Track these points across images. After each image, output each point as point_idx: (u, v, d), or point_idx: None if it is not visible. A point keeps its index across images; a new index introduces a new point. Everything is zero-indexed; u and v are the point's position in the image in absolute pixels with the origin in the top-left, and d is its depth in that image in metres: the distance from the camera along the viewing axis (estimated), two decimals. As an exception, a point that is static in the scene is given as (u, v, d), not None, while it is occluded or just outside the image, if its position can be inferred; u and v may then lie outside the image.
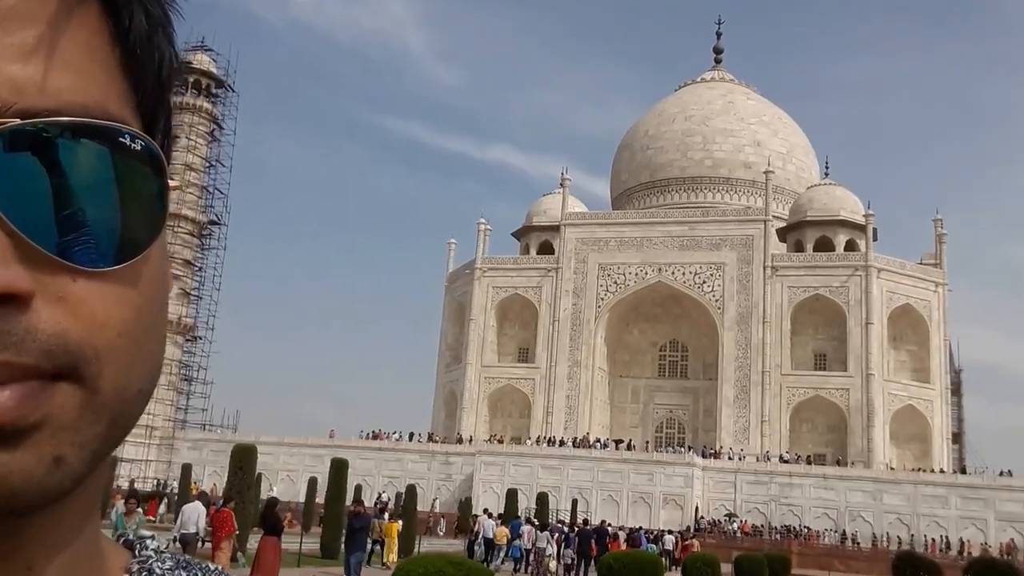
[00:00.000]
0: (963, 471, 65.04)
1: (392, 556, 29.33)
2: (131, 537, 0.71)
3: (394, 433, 68.61)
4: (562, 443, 65.59)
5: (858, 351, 68.41)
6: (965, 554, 53.04)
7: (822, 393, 68.86)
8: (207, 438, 68.30)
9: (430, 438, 68.78)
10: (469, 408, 73.51)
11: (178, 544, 19.68)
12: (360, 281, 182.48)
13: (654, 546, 44.47)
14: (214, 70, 77.09)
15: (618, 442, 65.11)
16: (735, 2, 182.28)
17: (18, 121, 0.50)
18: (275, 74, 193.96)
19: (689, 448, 67.23)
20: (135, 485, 61.46)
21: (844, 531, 58.04)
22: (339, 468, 33.11)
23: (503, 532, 36.65)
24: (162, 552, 0.72)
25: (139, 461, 65.00)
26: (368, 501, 54.47)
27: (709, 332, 72.48)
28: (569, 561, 36.14)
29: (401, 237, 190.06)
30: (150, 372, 0.60)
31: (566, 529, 45.37)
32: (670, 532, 50.43)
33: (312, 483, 50.88)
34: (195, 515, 19.85)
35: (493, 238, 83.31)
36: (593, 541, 40.55)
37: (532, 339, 74.85)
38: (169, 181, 0.59)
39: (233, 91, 76.88)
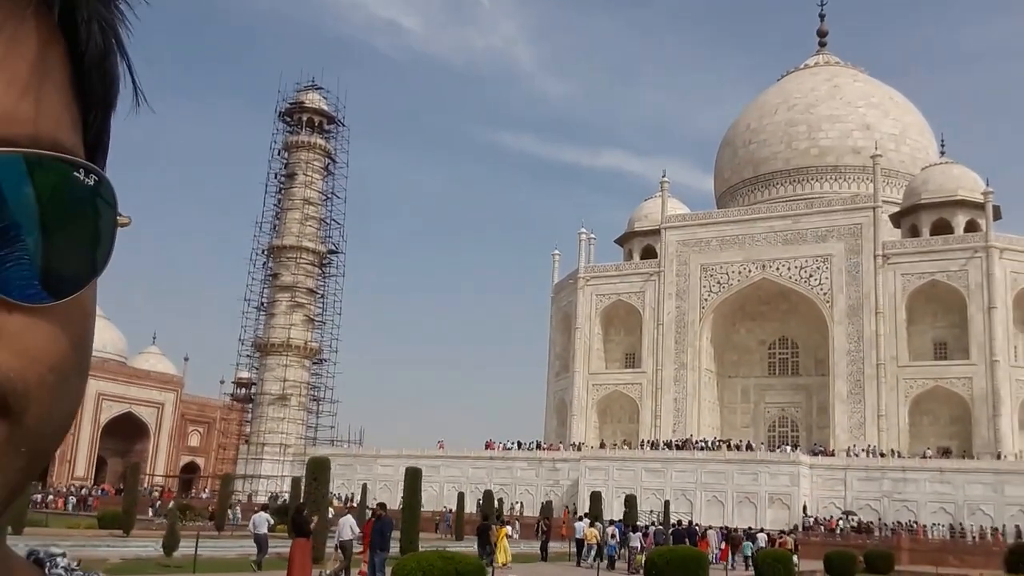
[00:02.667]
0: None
1: (502, 558, 32.83)
2: (42, 555, 0.74)
3: (504, 442, 72.84)
4: (668, 446, 67.60)
5: (981, 338, 66.71)
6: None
7: (943, 384, 67.54)
8: (335, 453, 74.99)
9: (538, 446, 72.54)
10: (579, 415, 76.88)
11: (339, 550, 24.20)
12: (472, 295, 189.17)
13: (751, 544, 46.54)
14: (325, 107, 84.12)
15: (724, 442, 66.54)
16: None
17: None
18: (391, 99, 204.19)
19: (794, 447, 67.60)
20: (278, 500, 68.71)
21: (961, 525, 57.09)
22: (413, 476, 36.84)
23: (592, 532, 40.47)
24: (73, 570, 0.74)
25: (275, 477, 72.55)
26: (474, 507, 59.09)
27: (819, 327, 72.47)
28: None
29: (514, 249, 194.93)
30: (71, 409, 0.62)
31: (659, 528, 48.34)
32: (763, 531, 51.93)
33: (460, 496, 53.87)
34: (348, 525, 24.33)
35: (600, 246, 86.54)
36: (686, 539, 43.98)
37: (638, 344, 77.35)
38: (119, 217, 0.61)
39: (344, 125, 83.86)
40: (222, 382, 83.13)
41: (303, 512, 24.06)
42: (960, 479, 59.06)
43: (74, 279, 0.57)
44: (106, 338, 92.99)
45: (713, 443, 67.66)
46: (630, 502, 51.58)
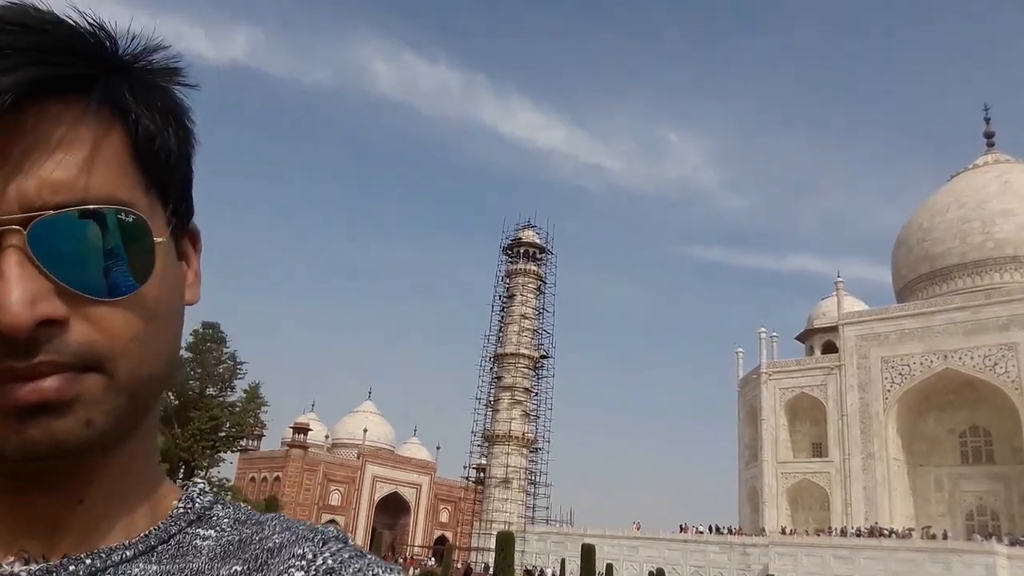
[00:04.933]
0: None
1: None
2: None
3: (697, 526, 70.86)
4: (857, 533, 62.80)
5: None
6: None
7: None
8: (548, 531, 76.53)
9: (728, 531, 69.83)
10: (770, 503, 73.29)
11: None
12: (665, 391, 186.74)
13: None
14: (537, 240, 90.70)
15: (911, 529, 60.64)
16: (1004, 81, 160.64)
17: (51, 212, 0.70)
18: (597, 226, 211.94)
19: (995, 536, 60.06)
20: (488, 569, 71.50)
21: None
22: (588, 553, 37.71)
23: None
24: (205, 491, 0.90)
25: (488, 550, 74.99)
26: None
27: (1011, 414, 65.18)
28: None
29: (702, 350, 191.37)
30: (160, 362, 0.79)
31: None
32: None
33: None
34: None
35: (785, 343, 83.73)
36: None
37: (823, 434, 73.16)
38: (156, 239, 0.77)
39: (552, 253, 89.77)
40: (465, 467, 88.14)
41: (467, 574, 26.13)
42: None
43: (133, 281, 0.74)
44: (380, 431, 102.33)
45: (902, 531, 61.97)
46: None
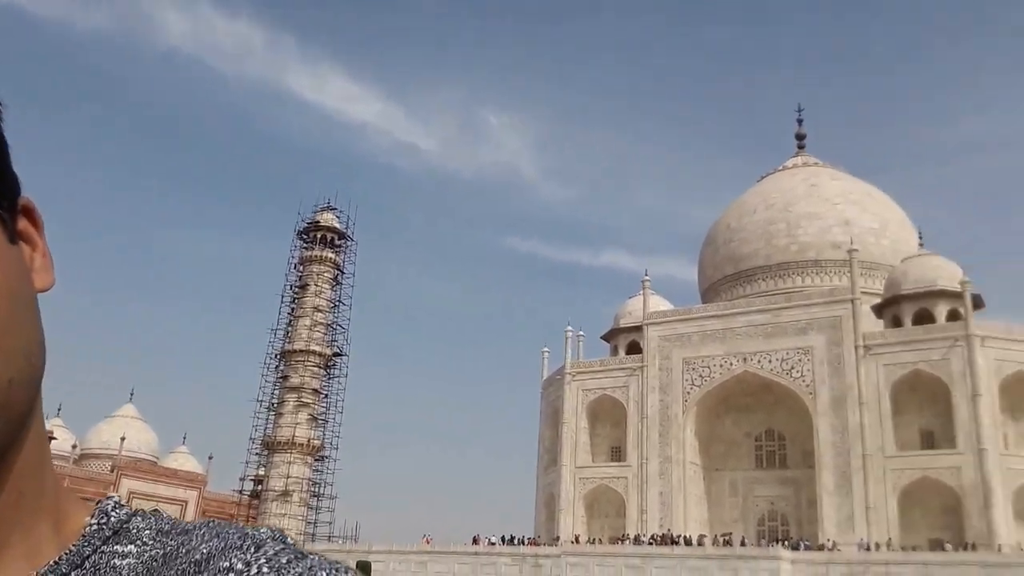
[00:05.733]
0: None
1: None
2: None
3: (489, 537, 65.82)
4: (653, 540, 59.91)
5: (967, 426, 58.22)
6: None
7: (931, 474, 58.76)
8: (329, 549, 68.89)
9: (522, 541, 65.26)
10: (566, 510, 69.61)
11: None
12: (468, 393, 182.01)
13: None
14: (337, 225, 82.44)
15: (703, 536, 58.40)
16: (818, 85, 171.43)
17: None
18: (407, 211, 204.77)
19: (784, 541, 58.97)
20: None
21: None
22: (363, 570, 31.43)
23: None
24: (120, 504, 0.79)
25: (269, 572, 66.57)
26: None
27: (805, 419, 64.79)
28: None
29: (511, 348, 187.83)
30: (20, 361, 0.68)
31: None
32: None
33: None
34: None
35: (593, 342, 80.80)
36: None
37: (623, 437, 70.51)
38: None
39: (352, 240, 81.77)
40: (242, 479, 78.30)
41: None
42: (945, 573, 49.76)
43: None
44: (142, 439, 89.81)
45: (698, 539, 59.73)
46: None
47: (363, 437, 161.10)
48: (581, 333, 78.85)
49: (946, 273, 66.41)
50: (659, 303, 75.20)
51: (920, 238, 73.66)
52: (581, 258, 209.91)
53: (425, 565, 65.30)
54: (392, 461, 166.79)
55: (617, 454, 71.07)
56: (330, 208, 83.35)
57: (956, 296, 63.88)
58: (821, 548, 56.66)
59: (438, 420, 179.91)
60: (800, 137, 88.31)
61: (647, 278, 75.17)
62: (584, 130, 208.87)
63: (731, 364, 67.51)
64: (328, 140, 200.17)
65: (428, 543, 67.25)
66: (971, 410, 58.14)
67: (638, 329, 73.55)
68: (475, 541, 66.56)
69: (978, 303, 65.09)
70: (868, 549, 55.05)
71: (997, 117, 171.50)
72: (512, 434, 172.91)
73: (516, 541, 65.33)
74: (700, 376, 68.41)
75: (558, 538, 65.63)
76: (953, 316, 63.82)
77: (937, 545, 56.34)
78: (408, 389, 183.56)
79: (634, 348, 74.37)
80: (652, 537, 61.13)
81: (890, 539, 57.26)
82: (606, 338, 79.38)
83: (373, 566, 67.07)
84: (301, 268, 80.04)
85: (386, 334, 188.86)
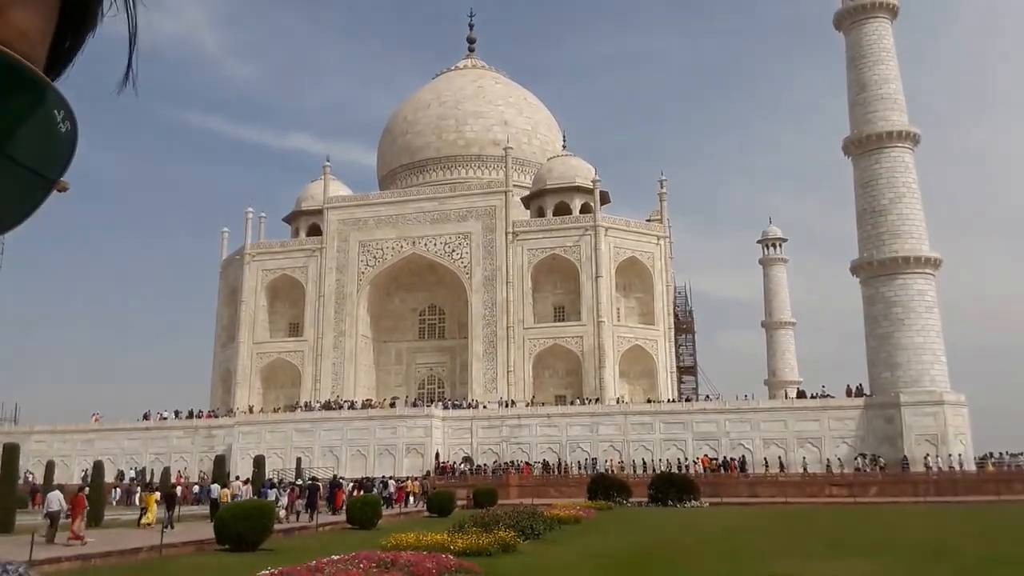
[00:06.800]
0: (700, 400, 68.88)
1: (147, 518, 31.60)
2: None
3: (162, 412, 66.44)
4: (326, 407, 65.18)
5: (590, 302, 70.76)
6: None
7: (560, 342, 70.96)
8: (-21, 433, 64.15)
9: (198, 415, 66.98)
10: (242, 383, 72.31)
11: (47, 519, 24.33)
12: (146, 273, 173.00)
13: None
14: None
15: (368, 402, 65.39)
16: None
17: None
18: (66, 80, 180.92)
19: (440, 402, 68.17)
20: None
21: (565, 462, 60.25)
22: (11, 452, 31.28)
23: (226, 492, 38.19)
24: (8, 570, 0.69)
25: None
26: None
27: (462, 295, 73.60)
28: (300, 509, 36.99)
29: (198, 228, 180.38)
30: None
31: (301, 483, 45.32)
32: (392, 478, 51.23)
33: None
34: (56, 498, 24.91)
35: (272, 224, 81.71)
36: (321, 491, 41.48)
37: (301, 315, 74.21)
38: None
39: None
40: None
41: None
42: (563, 422, 62.38)
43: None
44: None
45: (363, 403, 66.44)
46: (258, 463, 48.34)
47: (24, 313, 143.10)
48: (263, 215, 79.74)
49: (583, 172, 78.31)
50: (339, 188, 78.38)
51: (564, 140, 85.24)
52: (267, 139, 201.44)
53: (92, 443, 64.37)
54: (56, 343, 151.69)
55: (295, 330, 74.72)
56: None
57: (589, 192, 75.91)
58: (469, 407, 66.46)
59: (110, 299, 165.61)
60: (471, 41, 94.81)
61: (328, 163, 77.77)
62: (268, 11, 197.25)
63: (401, 247, 73.78)
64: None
65: (96, 421, 65.89)
66: (593, 288, 71.06)
67: (319, 212, 76.37)
68: (146, 417, 66.75)
69: (605, 199, 78.12)
70: (506, 406, 66.00)
71: (633, 40, 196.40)
72: (189, 313, 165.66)
73: (191, 415, 66.74)
74: (374, 257, 73.88)
75: (232, 410, 68.28)
76: (586, 209, 76.02)
77: (562, 400, 69.40)
78: (75, 271, 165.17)
79: (315, 231, 77.28)
80: (322, 403, 66.65)
81: (531, 397, 69.01)
82: (288, 220, 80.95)
83: (36, 447, 64.13)
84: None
85: (43, 209, 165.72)
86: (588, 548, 21.32)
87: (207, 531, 24.74)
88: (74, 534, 22.31)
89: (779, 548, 21.65)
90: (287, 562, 14.15)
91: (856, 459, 57.06)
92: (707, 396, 72.33)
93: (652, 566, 17.69)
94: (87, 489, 28.29)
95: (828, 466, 57.39)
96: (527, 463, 60.30)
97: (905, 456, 56.24)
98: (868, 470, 55.94)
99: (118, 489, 55.38)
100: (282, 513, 34.97)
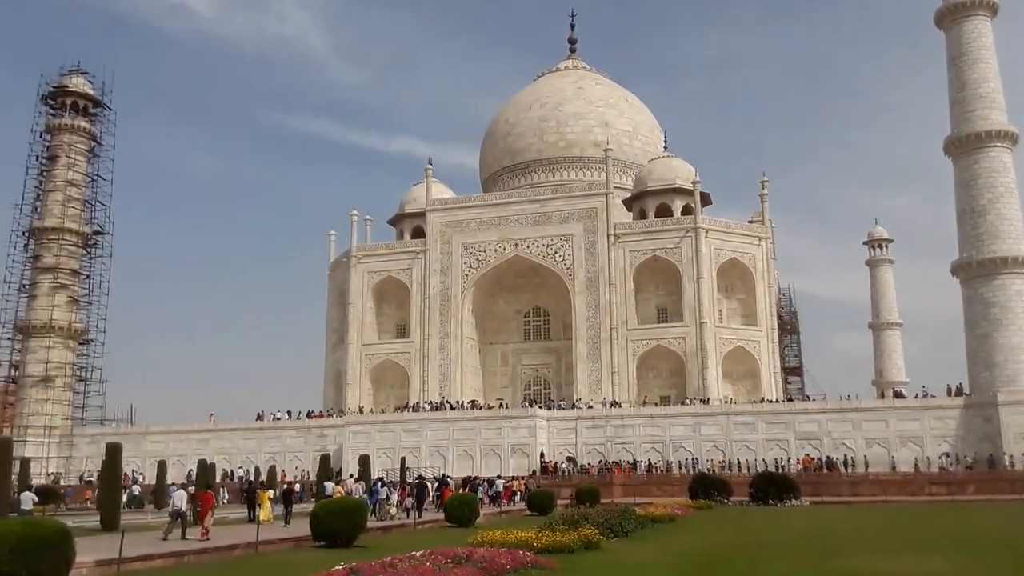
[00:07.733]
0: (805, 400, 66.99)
1: (263, 514, 31.80)
2: None
3: (275, 412, 69.13)
4: (433, 408, 66.31)
5: (692, 303, 69.84)
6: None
7: (663, 343, 70.25)
8: (103, 432, 68.46)
9: (309, 415, 69.34)
10: (353, 384, 74.50)
11: (173, 517, 24.19)
12: (255, 276, 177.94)
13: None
14: (90, 91, 76.87)
15: (472, 403, 66.26)
16: None
17: None
18: (178, 82, 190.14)
19: (546, 403, 68.30)
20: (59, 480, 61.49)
21: (668, 462, 59.55)
22: (113, 452, 32.82)
23: (339, 490, 39.15)
24: None
25: (39, 458, 65.01)
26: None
27: (565, 297, 73.78)
28: (409, 506, 37.92)
29: (300, 230, 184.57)
30: None
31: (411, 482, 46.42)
32: (500, 477, 51.66)
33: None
34: (181, 497, 24.66)
35: (379, 227, 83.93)
36: (429, 489, 42.41)
37: (407, 316, 75.85)
38: None
39: (111, 109, 76.83)
40: (-9, 365, 73.49)
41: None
42: (666, 422, 61.70)
43: None
44: None
45: (469, 404, 67.29)
46: (363, 462, 49.49)
47: (136, 320, 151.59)
48: (368, 217, 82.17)
49: (683, 173, 77.09)
50: (442, 191, 79.84)
51: (665, 142, 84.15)
52: (374, 142, 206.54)
53: (207, 442, 67.46)
54: (170, 345, 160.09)
55: (402, 332, 76.55)
56: (80, 71, 77.60)
57: (689, 193, 74.72)
58: (574, 407, 66.48)
59: (220, 304, 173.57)
60: (572, 42, 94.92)
61: (430, 166, 79.36)
62: (373, 13, 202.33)
63: (504, 249, 74.45)
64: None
65: (213, 421, 69.10)
66: (695, 290, 69.94)
67: (422, 215, 78.00)
68: (259, 417, 69.50)
69: (706, 200, 76.74)
70: (611, 406, 65.74)
71: (734, 40, 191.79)
72: (299, 315, 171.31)
73: (307, 415, 69.17)
74: (477, 260, 74.84)
75: (343, 411, 70.37)
76: (687, 211, 74.84)
77: (666, 401, 68.71)
78: (185, 272, 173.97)
79: (418, 233, 79.02)
80: (430, 403, 67.88)
81: (641, 398, 68.42)
82: (392, 222, 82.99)
83: (152, 447, 67.81)
84: (48, 138, 74.82)
85: (159, 213, 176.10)
86: (672, 546, 21.04)
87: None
88: (205, 530, 22.67)
89: (868, 545, 20.96)
90: (372, 557, 14.29)
91: (940, 458, 56.90)
92: (810, 397, 70.58)
93: (730, 563, 17.37)
94: (211, 487, 28.86)
95: (916, 465, 56.65)
96: (629, 463, 59.86)
97: (991, 455, 55.74)
98: (951, 469, 55.65)
99: (224, 488, 56.54)
100: (393, 510, 35.96)
